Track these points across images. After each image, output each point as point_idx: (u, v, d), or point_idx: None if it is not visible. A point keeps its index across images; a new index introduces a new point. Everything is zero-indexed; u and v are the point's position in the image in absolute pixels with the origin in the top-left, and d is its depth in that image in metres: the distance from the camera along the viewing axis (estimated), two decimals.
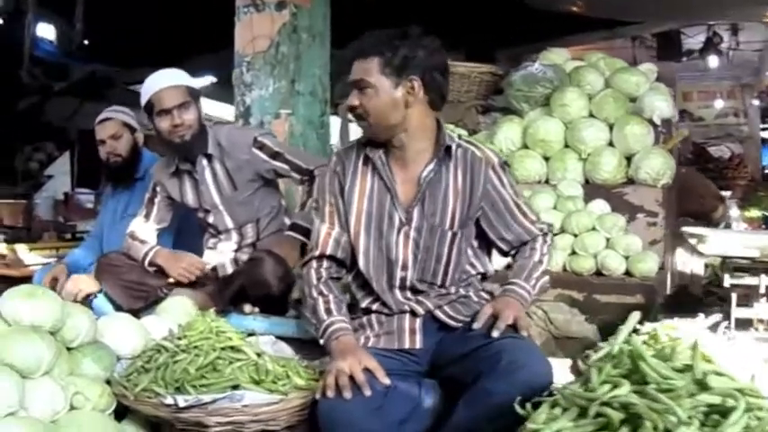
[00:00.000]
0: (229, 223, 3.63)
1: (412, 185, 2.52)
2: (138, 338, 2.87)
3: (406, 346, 2.49)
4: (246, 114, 4.63)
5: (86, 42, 7.40)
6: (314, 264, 2.61)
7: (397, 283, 2.54)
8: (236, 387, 2.44)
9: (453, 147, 2.53)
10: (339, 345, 2.39)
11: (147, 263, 3.59)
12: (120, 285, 3.56)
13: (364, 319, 2.59)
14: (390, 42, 2.40)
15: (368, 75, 2.40)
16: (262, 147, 3.51)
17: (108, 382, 2.62)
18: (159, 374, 2.50)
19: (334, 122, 5.11)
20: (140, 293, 3.56)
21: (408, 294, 2.55)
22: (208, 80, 8.56)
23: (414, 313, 2.52)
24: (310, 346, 2.88)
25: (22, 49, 7.59)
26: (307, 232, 3.33)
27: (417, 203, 2.51)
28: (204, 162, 3.55)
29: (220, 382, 2.45)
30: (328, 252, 2.59)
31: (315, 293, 2.55)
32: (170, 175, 3.64)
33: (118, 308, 3.53)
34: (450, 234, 2.52)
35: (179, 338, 2.66)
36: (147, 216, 3.73)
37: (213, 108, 8.97)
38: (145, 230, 3.70)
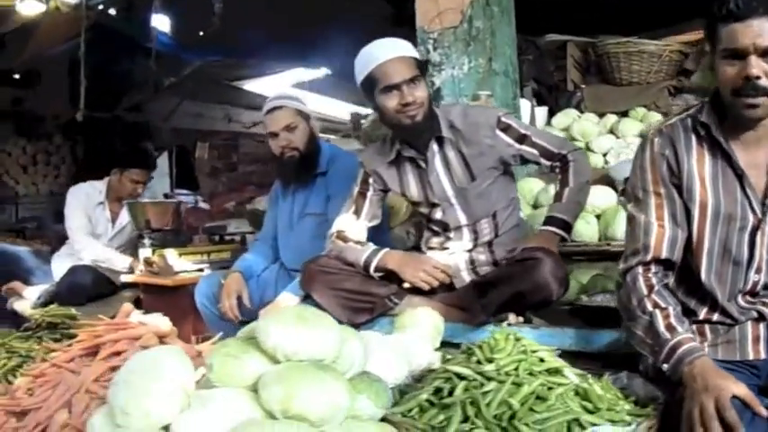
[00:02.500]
0: (463, 219, 3.06)
1: (759, 171, 2.09)
2: (403, 363, 2.36)
3: (750, 357, 2.08)
4: (436, 97, 4.05)
5: (201, 33, 6.89)
6: (640, 269, 2.16)
7: (748, 288, 2.12)
8: (574, 421, 1.92)
9: None
10: (695, 370, 1.91)
11: (373, 268, 3.03)
12: (336, 296, 3.01)
13: (694, 326, 2.15)
14: None
15: None
16: (507, 128, 2.95)
17: (384, 421, 2.07)
18: (470, 411, 1.95)
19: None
20: (364, 305, 3.02)
21: (751, 298, 2.14)
22: (322, 72, 7.95)
23: (760, 318, 2.11)
24: (588, 360, 2.50)
25: (132, 42, 7.15)
26: (566, 226, 2.85)
27: None
28: (435, 147, 3.00)
29: (556, 416, 1.92)
30: (663, 255, 2.15)
31: (649, 306, 2.09)
32: (388, 163, 3.10)
33: None
34: None
35: (478, 362, 2.11)
36: (358, 212, 3.18)
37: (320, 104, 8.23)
38: (356, 229, 3.15)
